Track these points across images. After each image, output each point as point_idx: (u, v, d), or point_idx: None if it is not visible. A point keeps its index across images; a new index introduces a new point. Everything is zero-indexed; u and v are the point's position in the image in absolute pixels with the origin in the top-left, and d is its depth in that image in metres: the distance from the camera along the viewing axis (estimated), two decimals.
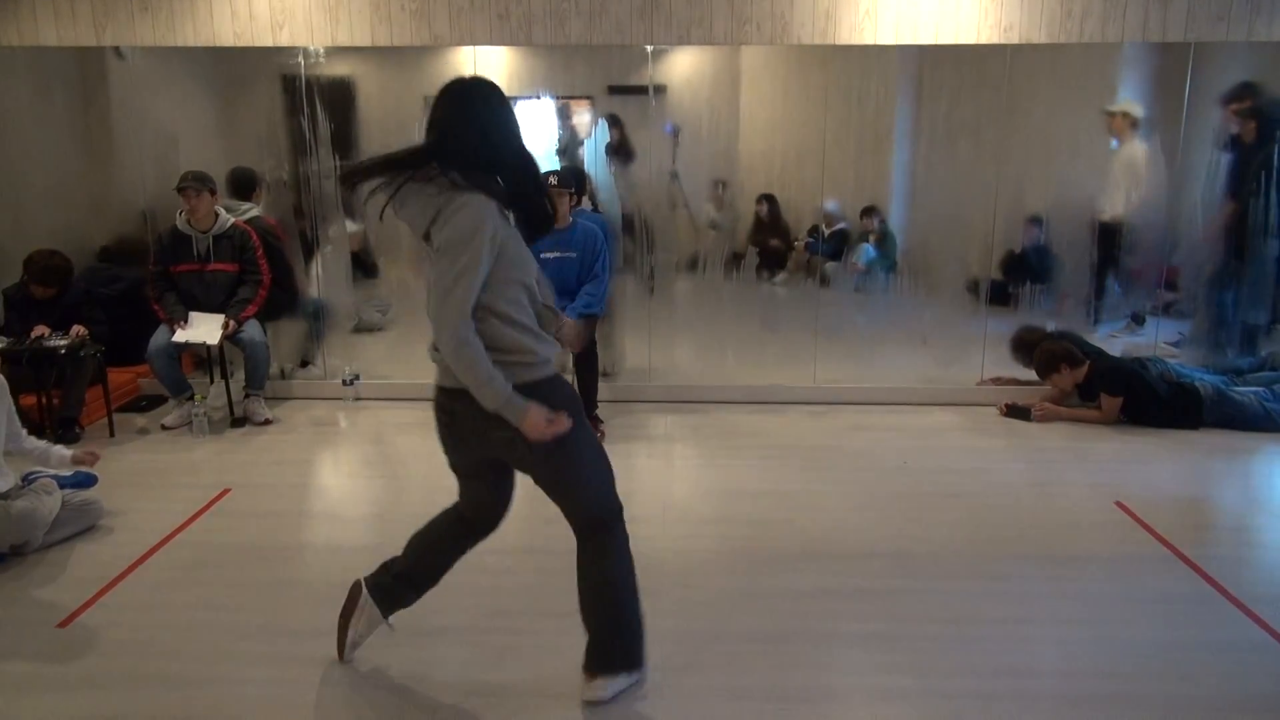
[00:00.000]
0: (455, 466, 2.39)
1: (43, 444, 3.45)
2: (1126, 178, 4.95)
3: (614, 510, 2.35)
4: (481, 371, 2.05)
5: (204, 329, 4.63)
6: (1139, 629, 2.78)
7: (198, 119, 5.11)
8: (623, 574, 2.36)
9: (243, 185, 5.11)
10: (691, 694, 2.46)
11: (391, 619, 2.55)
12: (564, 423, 2.11)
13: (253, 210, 5.05)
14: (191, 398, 4.74)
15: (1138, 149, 4.92)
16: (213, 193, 4.67)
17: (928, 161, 5.02)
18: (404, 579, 2.51)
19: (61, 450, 3.45)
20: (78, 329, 4.50)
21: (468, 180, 2.05)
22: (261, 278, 4.82)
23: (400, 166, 2.09)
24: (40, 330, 4.45)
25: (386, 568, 2.55)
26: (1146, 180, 4.92)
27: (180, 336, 4.59)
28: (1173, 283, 5.12)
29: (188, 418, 4.69)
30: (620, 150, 5.06)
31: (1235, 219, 4.94)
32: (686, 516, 3.61)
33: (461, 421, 2.19)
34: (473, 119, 2.09)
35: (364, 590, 2.53)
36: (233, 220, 4.77)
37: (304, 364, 5.39)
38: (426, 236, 2.10)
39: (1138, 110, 4.88)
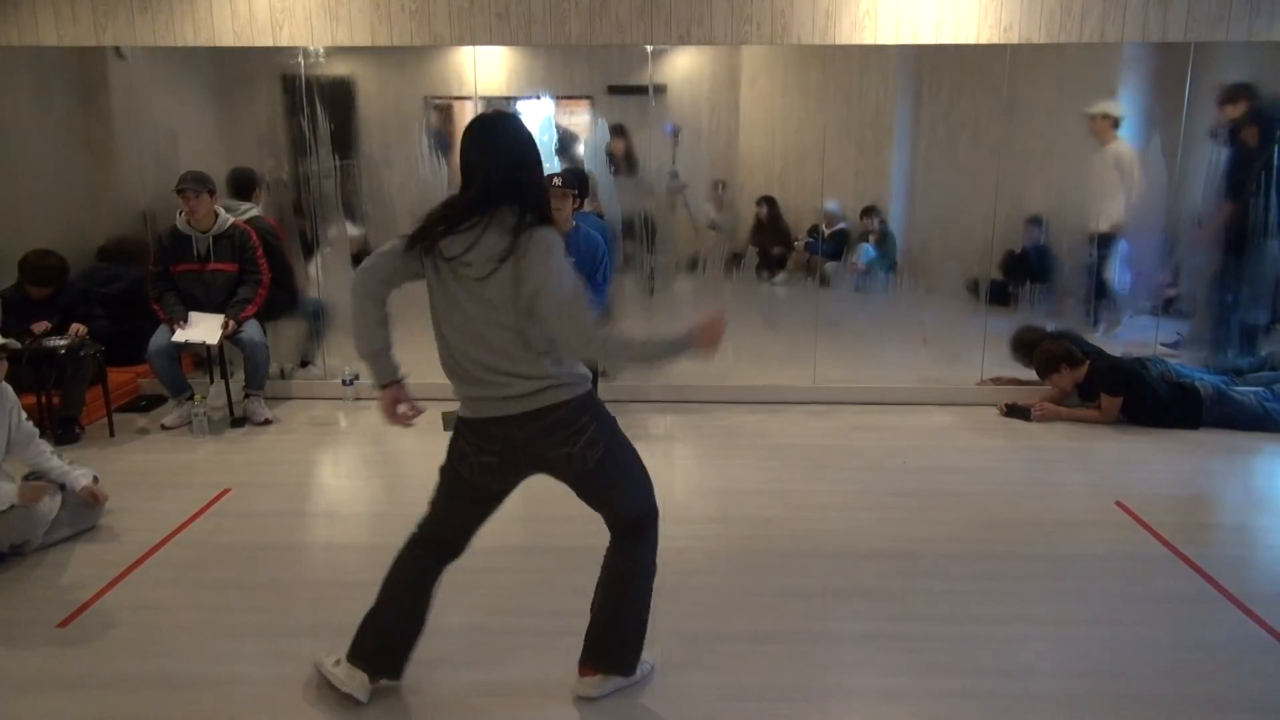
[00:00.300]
0: (489, 497, 2.35)
1: (65, 466, 3.42)
2: (1118, 178, 4.95)
3: (653, 511, 2.41)
4: (635, 343, 2.16)
5: (204, 329, 4.63)
6: (1139, 629, 2.78)
7: (198, 119, 5.10)
8: (647, 576, 2.40)
9: (243, 185, 5.12)
10: (691, 694, 2.46)
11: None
12: (720, 318, 2.20)
13: (252, 210, 5.05)
14: (191, 398, 4.74)
15: (1123, 148, 4.92)
16: (212, 193, 4.67)
17: (928, 161, 5.02)
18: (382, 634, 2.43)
19: (79, 478, 3.42)
20: (76, 327, 4.51)
21: (536, 214, 2.13)
22: (261, 277, 4.81)
23: (468, 214, 2.12)
24: (41, 326, 4.45)
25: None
26: (1139, 178, 4.92)
27: (180, 336, 4.59)
28: (1172, 283, 5.12)
29: (188, 418, 4.69)
30: (626, 160, 5.06)
31: (1235, 219, 4.94)
32: (686, 516, 3.61)
33: (518, 448, 2.22)
34: (516, 154, 2.17)
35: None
36: (232, 220, 4.76)
37: (304, 364, 5.39)
38: (487, 275, 2.10)
39: (1118, 111, 4.88)
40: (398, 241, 2.22)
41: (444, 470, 2.38)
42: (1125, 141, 4.91)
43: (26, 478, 3.41)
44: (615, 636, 2.41)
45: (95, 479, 3.50)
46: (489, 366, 2.17)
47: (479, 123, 2.19)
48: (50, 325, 4.49)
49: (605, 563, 2.41)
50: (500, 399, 2.18)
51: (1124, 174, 4.94)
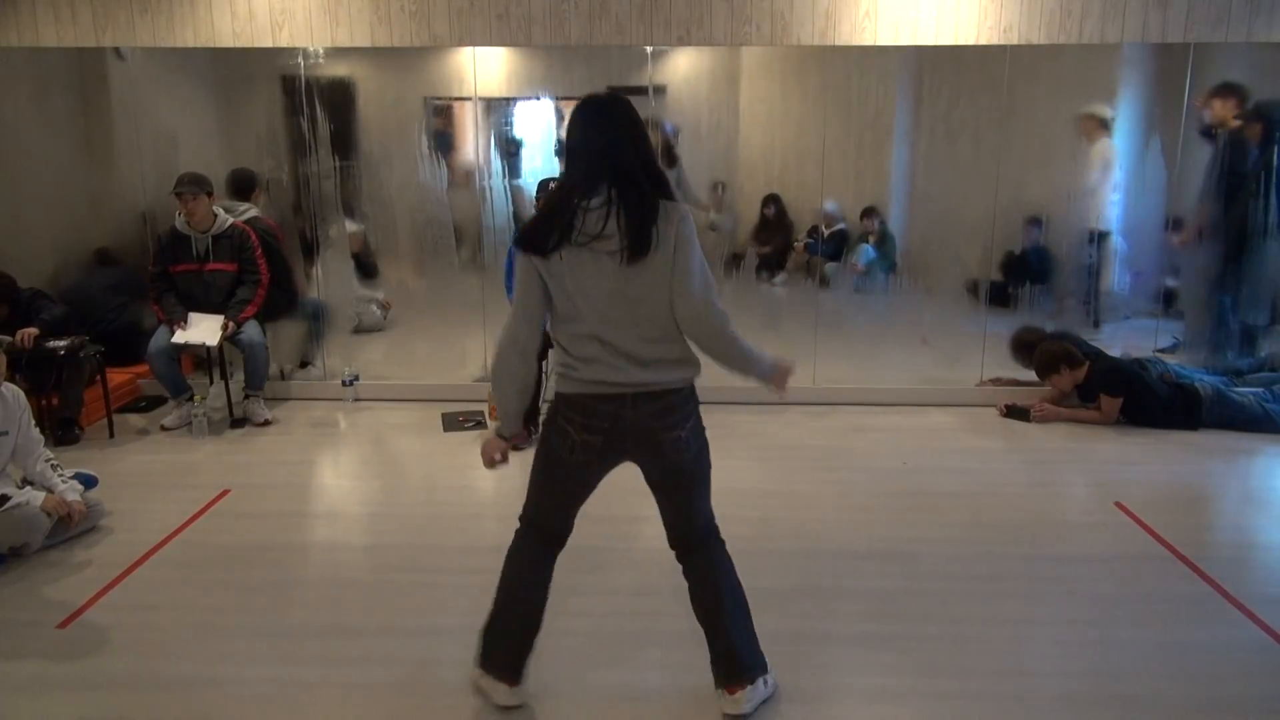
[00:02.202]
0: (585, 480, 2.33)
1: (61, 484, 3.38)
2: (1101, 176, 4.96)
3: (713, 518, 2.43)
4: (745, 343, 2.22)
5: (203, 330, 4.63)
6: (1139, 629, 2.78)
7: (198, 119, 5.10)
8: (734, 570, 2.40)
9: (242, 186, 5.11)
10: (691, 694, 2.46)
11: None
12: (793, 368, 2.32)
13: (251, 211, 5.05)
14: (191, 399, 4.74)
15: (1108, 148, 4.94)
16: (209, 194, 4.67)
17: (927, 162, 5.02)
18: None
19: (65, 491, 3.36)
20: (24, 333, 4.36)
21: (661, 191, 2.17)
22: (260, 277, 4.81)
23: (589, 193, 2.11)
24: (23, 334, 4.35)
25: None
26: (1117, 177, 4.94)
27: (180, 338, 4.59)
28: (1171, 284, 5.13)
29: (187, 419, 4.69)
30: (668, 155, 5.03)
31: (1218, 220, 4.94)
32: None
33: (627, 428, 2.21)
34: (638, 133, 2.19)
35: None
36: (231, 221, 4.77)
37: (303, 364, 5.39)
38: (629, 251, 2.10)
39: (1107, 112, 4.89)
40: (527, 274, 2.17)
41: (539, 452, 2.33)
42: (1110, 143, 4.92)
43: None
44: (745, 641, 2.37)
45: (82, 494, 3.43)
46: (616, 345, 2.15)
47: (596, 104, 2.20)
48: (38, 332, 4.40)
49: (696, 580, 2.37)
50: (617, 381, 2.17)
51: (1106, 172, 4.95)
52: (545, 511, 2.36)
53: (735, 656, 2.34)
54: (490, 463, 2.35)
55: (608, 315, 2.15)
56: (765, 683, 2.40)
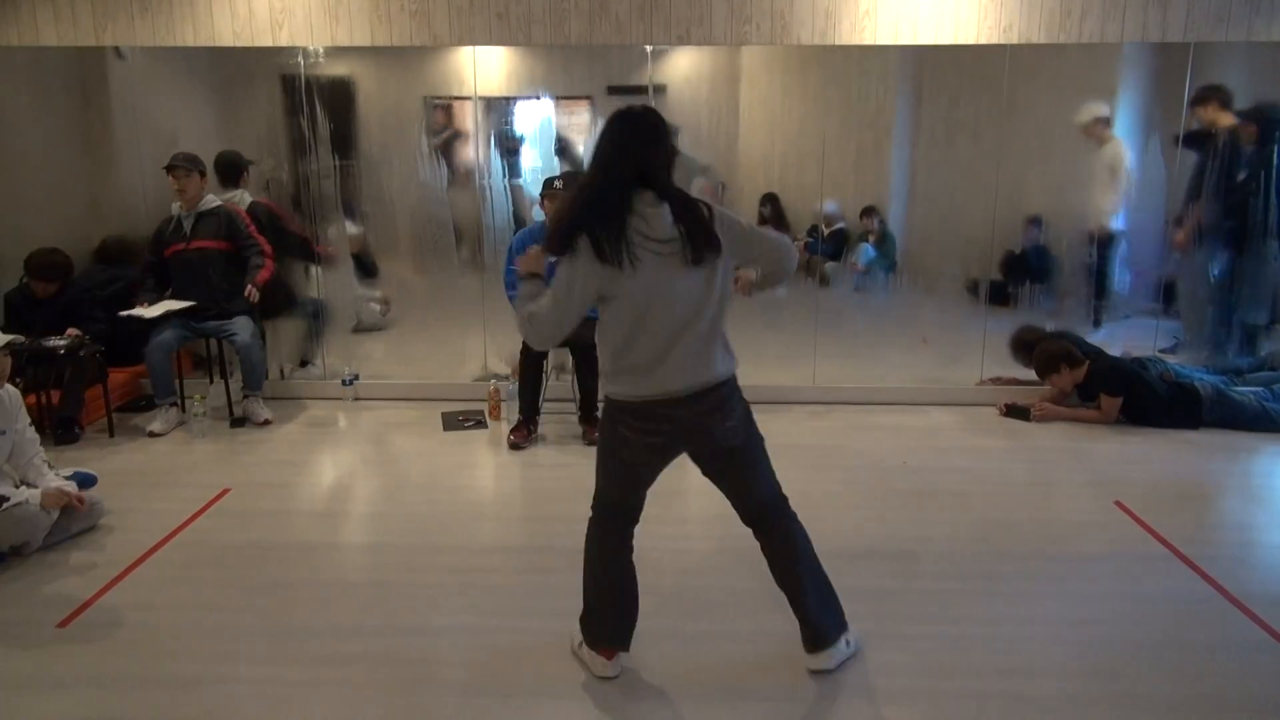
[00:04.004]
0: (652, 469, 2.43)
1: (54, 479, 3.38)
2: (1109, 178, 4.96)
3: (780, 488, 2.55)
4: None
5: (157, 307, 4.63)
6: (1139, 629, 2.78)
7: (198, 119, 5.10)
8: (808, 536, 2.54)
9: (228, 172, 5.06)
10: (691, 694, 2.46)
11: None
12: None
13: (242, 196, 5.03)
14: (175, 404, 4.73)
15: (1118, 148, 4.93)
16: (202, 174, 4.71)
17: (927, 161, 5.02)
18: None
19: (65, 486, 3.39)
20: (71, 332, 4.50)
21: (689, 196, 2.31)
22: (262, 249, 4.84)
23: (621, 200, 2.21)
24: (70, 334, 4.48)
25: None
26: (1127, 177, 4.93)
27: (134, 311, 4.56)
28: (1171, 283, 5.12)
29: (174, 423, 4.68)
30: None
31: (1203, 223, 4.94)
32: (686, 516, 3.61)
33: (684, 426, 2.32)
34: (669, 143, 2.32)
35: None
36: (219, 201, 4.78)
37: (304, 363, 5.39)
38: (689, 252, 2.22)
39: (1106, 111, 4.88)
40: (583, 283, 2.22)
41: (603, 451, 2.45)
42: (1120, 141, 4.92)
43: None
44: (825, 606, 2.51)
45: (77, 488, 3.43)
46: (675, 347, 2.26)
47: (641, 116, 2.28)
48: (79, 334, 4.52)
49: (772, 550, 2.51)
50: (675, 386, 2.28)
51: (1115, 173, 4.95)
52: (618, 497, 2.48)
53: (815, 621, 2.50)
54: (528, 267, 2.36)
55: (668, 318, 2.25)
56: (847, 642, 2.57)
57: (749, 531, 2.42)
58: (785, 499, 2.54)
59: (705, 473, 2.48)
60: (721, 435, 2.35)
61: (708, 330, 2.29)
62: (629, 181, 2.22)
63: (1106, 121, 4.89)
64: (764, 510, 2.50)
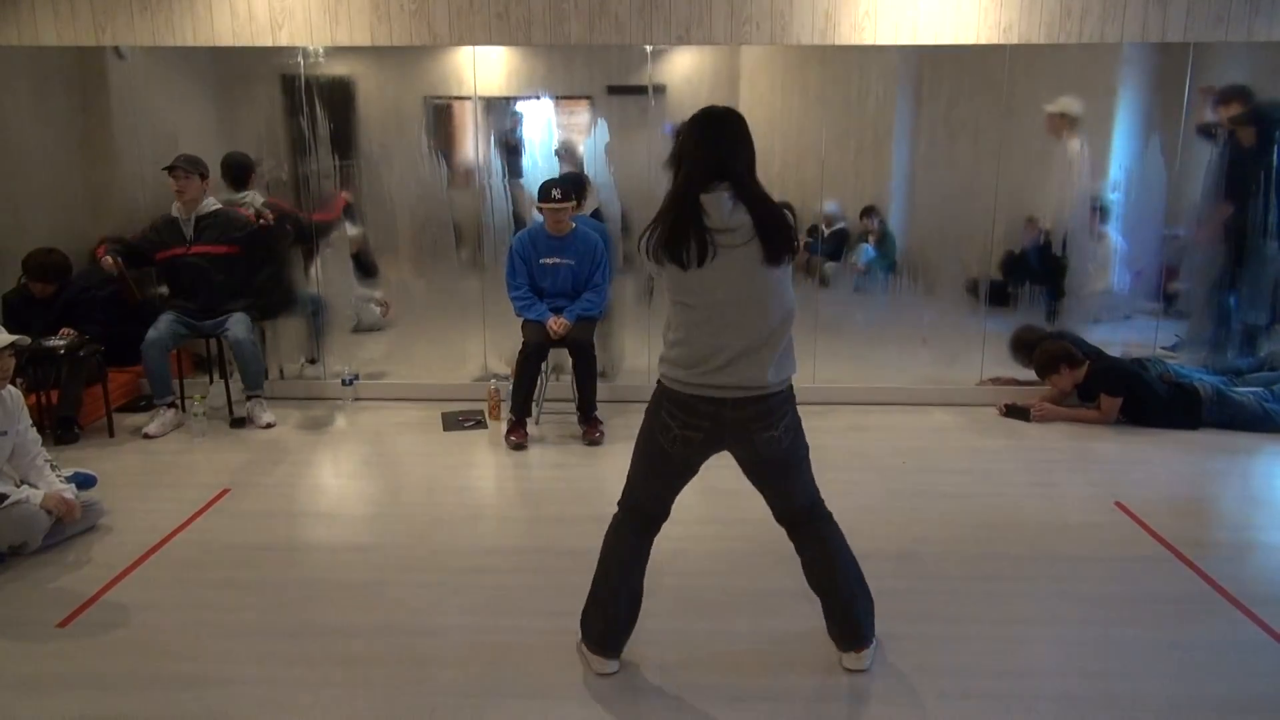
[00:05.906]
0: (688, 466, 2.43)
1: (56, 481, 3.38)
2: (1064, 173, 4.97)
3: (819, 496, 2.55)
4: None
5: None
6: (1138, 629, 2.78)
7: (197, 119, 5.10)
8: (846, 543, 2.55)
9: (238, 174, 5.05)
10: (691, 694, 2.46)
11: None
12: None
13: (254, 197, 5.03)
14: (174, 405, 4.73)
15: (1077, 146, 4.93)
16: (203, 177, 4.69)
17: (927, 161, 5.02)
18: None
19: (61, 490, 3.37)
20: (66, 331, 4.48)
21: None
22: (269, 221, 4.88)
23: (694, 198, 2.22)
24: (65, 334, 4.50)
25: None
26: (1080, 176, 4.95)
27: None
28: (1171, 283, 5.12)
29: (170, 425, 4.67)
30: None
31: (1232, 220, 4.94)
32: (686, 516, 3.59)
33: (726, 427, 2.32)
34: (751, 144, 2.32)
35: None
36: (218, 205, 4.77)
37: (311, 361, 5.37)
38: (775, 252, 2.23)
39: (1076, 109, 4.89)
40: (667, 274, 2.28)
41: (641, 440, 2.44)
42: (1078, 144, 4.93)
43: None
44: (863, 610, 2.52)
45: (77, 496, 3.42)
46: (732, 347, 2.26)
47: (727, 115, 2.29)
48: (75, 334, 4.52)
49: (807, 556, 2.52)
50: (724, 385, 2.27)
51: (1073, 170, 4.96)
52: (646, 496, 2.47)
53: (854, 624, 2.52)
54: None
55: (729, 317, 2.25)
56: (876, 642, 2.60)
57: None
58: (822, 503, 2.53)
59: (745, 473, 2.47)
60: (762, 444, 2.34)
61: (768, 335, 2.28)
62: (708, 181, 2.22)
63: (1073, 122, 4.90)
64: (798, 515, 2.51)
